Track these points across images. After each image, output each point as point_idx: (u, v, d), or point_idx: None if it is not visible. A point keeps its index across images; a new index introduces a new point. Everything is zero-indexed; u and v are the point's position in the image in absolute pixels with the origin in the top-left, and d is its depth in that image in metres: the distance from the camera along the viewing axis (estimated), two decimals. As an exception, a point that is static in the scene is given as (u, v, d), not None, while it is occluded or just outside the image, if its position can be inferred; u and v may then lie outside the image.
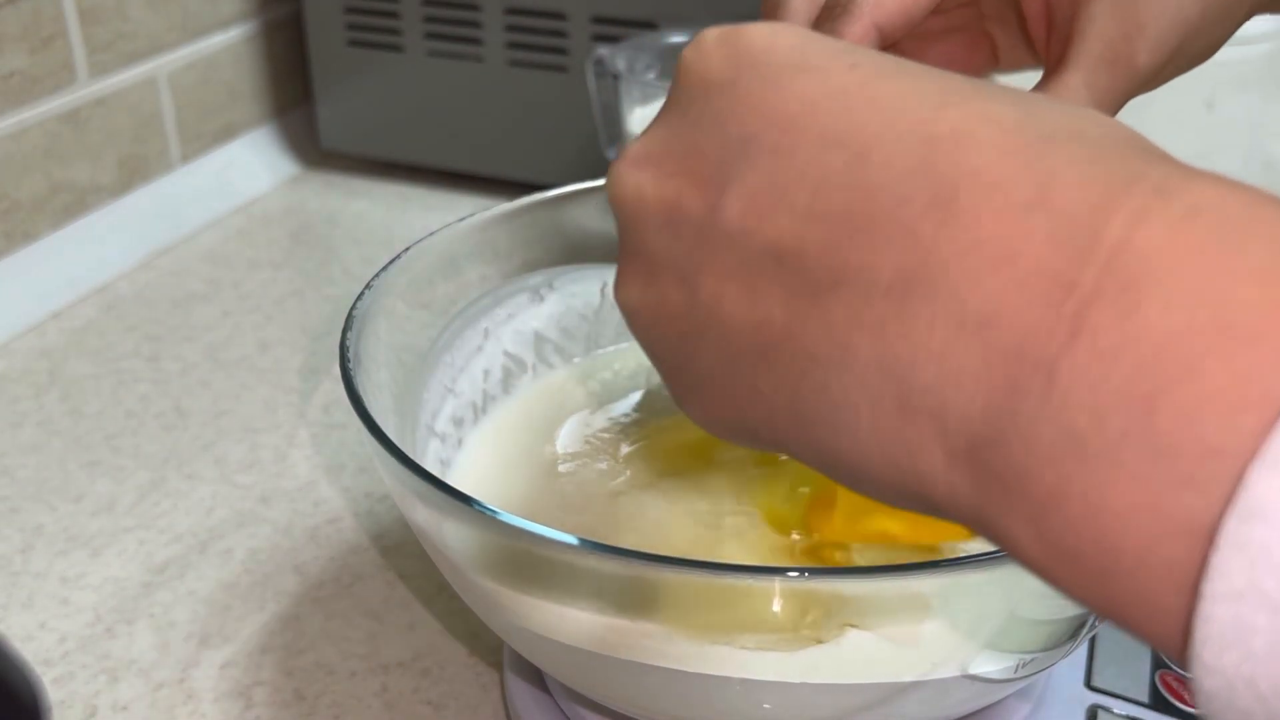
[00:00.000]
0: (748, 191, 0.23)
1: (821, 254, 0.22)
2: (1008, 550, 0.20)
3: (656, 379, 0.48)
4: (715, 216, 0.24)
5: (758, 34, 0.25)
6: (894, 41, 0.34)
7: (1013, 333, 0.19)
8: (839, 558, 0.37)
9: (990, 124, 0.21)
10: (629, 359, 0.49)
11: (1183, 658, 0.17)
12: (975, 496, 0.20)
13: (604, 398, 0.47)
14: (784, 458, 0.42)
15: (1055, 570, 0.19)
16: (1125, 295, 0.18)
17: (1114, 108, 0.33)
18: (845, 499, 0.39)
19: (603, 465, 0.43)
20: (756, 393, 0.24)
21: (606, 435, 0.45)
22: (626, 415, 0.46)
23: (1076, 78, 0.32)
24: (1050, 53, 0.35)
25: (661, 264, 0.25)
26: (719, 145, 0.24)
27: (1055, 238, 0.19)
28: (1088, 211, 0.19)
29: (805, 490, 0.40)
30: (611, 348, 0.49)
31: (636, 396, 0.47)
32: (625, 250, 0.27)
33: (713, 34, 0.26)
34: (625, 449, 0.44)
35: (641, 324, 0.26)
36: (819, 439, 0.23)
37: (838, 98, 0.23)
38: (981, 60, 0.38)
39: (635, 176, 0.26)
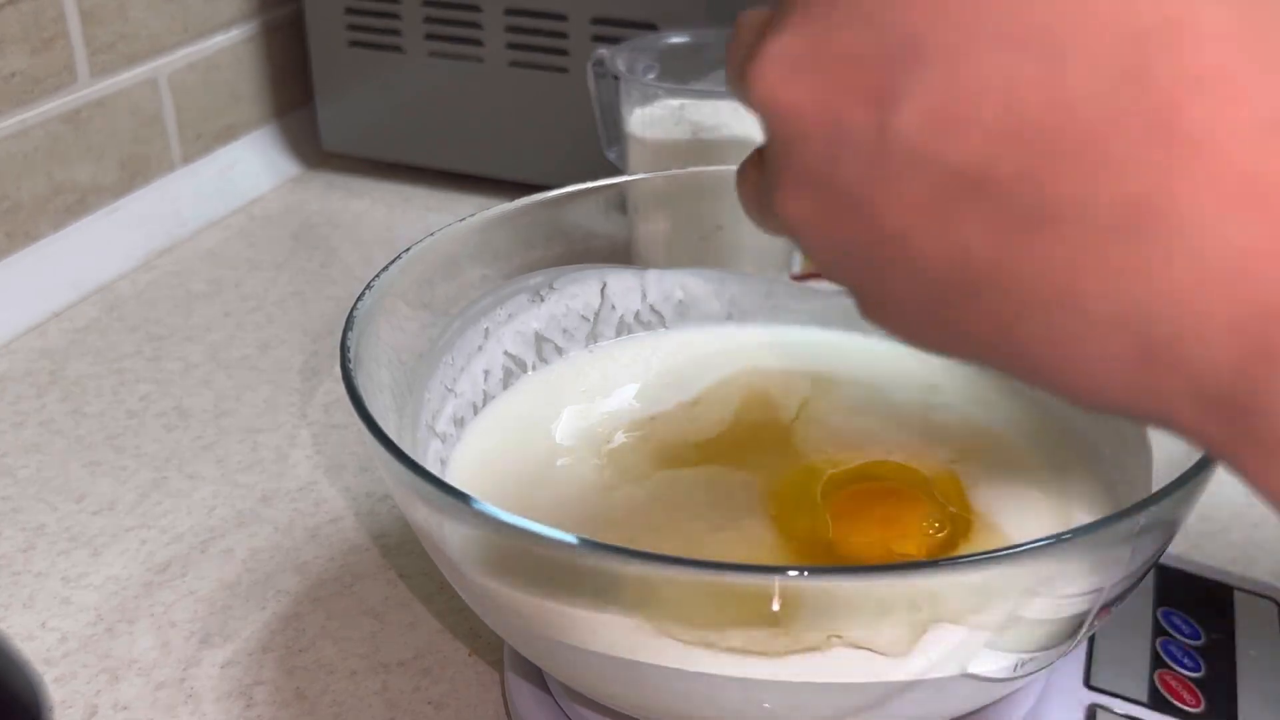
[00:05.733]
0: (922, 106, 0.20)
1: (1025, 181, 0.19)
2: (1261, 494, 0.18)
3: (654, 371, 0.48)
4: (888, 137, 0.20)
5: None
6: None
7: (1263, 285, 0.17)
8: (841, 558, 0.37)
9: (1214, 3, 0.18)
10: (627, 349, 0.49)
11: None
12: (1228, 443, 0.18)
13: (602, 389, 0.47)
14: (784, 453, 0.43)
15: None
16: None
17: None
18: (854, 514, 0.39)
19: (600, 459, 0.43)
20: (961, 326, 0.21)
21: (604, 428, 0.45)
22: (624, 406, 0.46)
23: None
24: None
25: (830, 188, 0.22)
26: (877, 49, 0.20)
27: None
28: None
29: (815, 487, 0.40)
30: (610, 340, 0.50)
31: (634, 388, 0.47)
32: (783, 160, 0.23)
33: None
34: (623, 441, 0.44)
35: (812, 242, 0.23)
36: (1038, 370, 0.21)
37: None
38: None
39: (792, 90, 0.22)
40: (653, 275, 0.50)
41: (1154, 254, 0.18)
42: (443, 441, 0.44)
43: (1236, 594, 0.45)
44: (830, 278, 0.24)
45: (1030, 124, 0.19)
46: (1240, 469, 0.19)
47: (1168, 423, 0.19)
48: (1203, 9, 0.18)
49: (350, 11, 0.79)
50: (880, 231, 0.21)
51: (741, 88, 0.24)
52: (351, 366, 0.37)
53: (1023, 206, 0.19)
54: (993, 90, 0.19)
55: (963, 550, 0.38)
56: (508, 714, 0.42)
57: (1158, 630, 0.43)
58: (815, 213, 0.23)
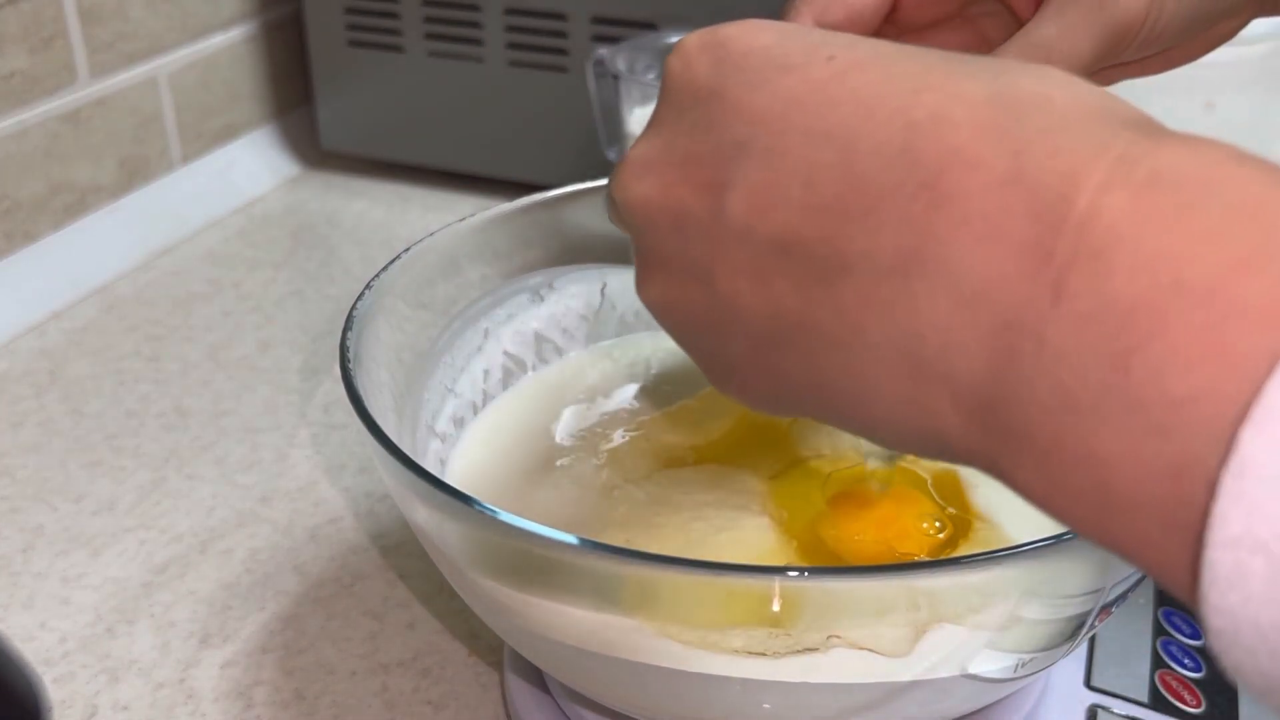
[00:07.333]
0: (747, 192, 0.25)
1: (823, 243, 0.23)
2: (1020, 494, 0.22)
3: (654, 371, 0.48)
4: (720, 218, 0.25)
5: (737, 36, 0.27)
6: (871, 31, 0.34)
7: (1005, 303, 0.21)
8: (838, 558, 0.37)
9: (964, 103, 0.23)
10: (627, 350, 0.49)
11: (1192, 599, 0.19)
12: (988, 447, 0.22)
13: (602, 389, 0.47)
14: (784, 453, 0.43)
15: (1063, 512, 0.21)
16: (1096, 262, 0.20)
17: (1089, 62, 0.32)
18: (851, 512, 0.39)
19: (600, 459, 0.43)
20: (783, 372, 0.25)
21: (604, 428, 0.45)
22: (624, 406, 0.46)
23: (1049, 28, 0.32)
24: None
25: (677, 265, 0.27)
26: (715, 151, 0.26)
27: (1033, 211, 0.21)
28: (1059, 182, 0.21)
29: (815, 488, 0.40)
30: (610, 340, 0.49)
31: (634, 388, 0.47)
32: (640, 253, 0.29)
33: (694, 41, 0.28)
34: (623, 441, 0.44)
35: (669, 320, 0.28)
36: (843, 408, 0.25)
37: (820, 92, 0.24)
38: (975, 48, 0.38)
39: (641, 186, 0.28)
40: (653, 275, 0.50)
41: (920, 289, 0.22)
42: (443, 441, 0.44)
43: (1237, 594, 0.45)
44: (687, 352, 0.28)
45: (827, 197, 0.24)
46: (1000, 473, 0.22)
47: (941, 439, 0.23)
48: (957, 105, 0.23)
49: (350, 11, 0.79)
50: (716, 295, 0.26)
51: (608, 204, 0.30)
52: (351, 366, 0.37)
53: (822, 263, 0.24)
54: (798, 175, 0.24)
55: (963, 550, 0.38)
56: (507, 714, 0.42)
57: (1158, 630, 0.43)
58: (667, 290, 0.28)
